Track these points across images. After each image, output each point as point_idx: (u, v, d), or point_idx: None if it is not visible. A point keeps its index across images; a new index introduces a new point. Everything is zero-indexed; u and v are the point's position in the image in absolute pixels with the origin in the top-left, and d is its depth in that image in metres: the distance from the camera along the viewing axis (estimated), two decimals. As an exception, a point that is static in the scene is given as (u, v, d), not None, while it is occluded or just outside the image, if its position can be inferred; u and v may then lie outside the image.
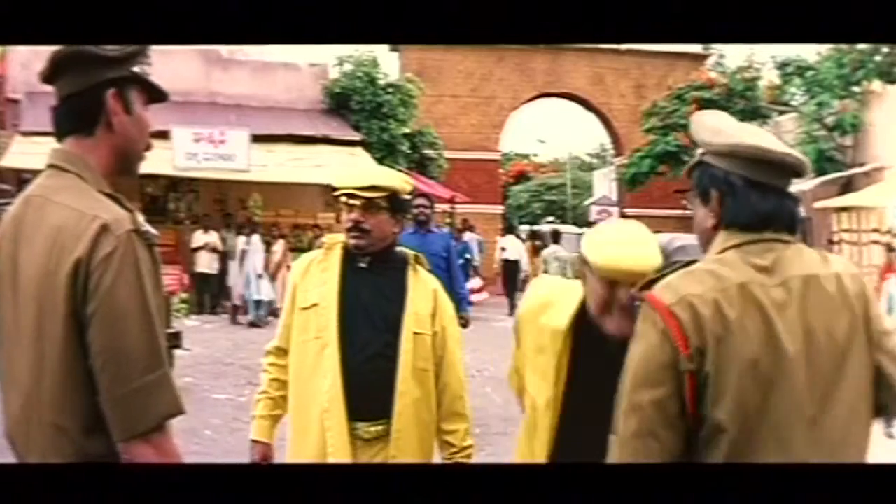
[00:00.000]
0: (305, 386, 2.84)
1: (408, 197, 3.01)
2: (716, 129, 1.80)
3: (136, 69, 1.84)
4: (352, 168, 3.06)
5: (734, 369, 1.63)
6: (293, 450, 2.87)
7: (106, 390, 1.64)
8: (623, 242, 2.27)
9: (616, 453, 1.68)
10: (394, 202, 2.90)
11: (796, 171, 1.76)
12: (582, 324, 2.34)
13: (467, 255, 15.68)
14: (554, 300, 2.44)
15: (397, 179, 2.95)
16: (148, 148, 1.91)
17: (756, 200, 1.73)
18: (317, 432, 2.78)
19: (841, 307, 1.71)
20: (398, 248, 2.99)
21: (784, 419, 1.64)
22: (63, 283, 1.65)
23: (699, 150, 1.84)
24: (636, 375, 1.69)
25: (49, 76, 1.81)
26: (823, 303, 1.70)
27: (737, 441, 1.62)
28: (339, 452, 2.74)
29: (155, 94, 1.91)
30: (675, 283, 1.72)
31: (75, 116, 1.81)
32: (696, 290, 1.67)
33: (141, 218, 1.76)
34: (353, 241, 2.88)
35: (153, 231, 1.76)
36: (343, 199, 2.88)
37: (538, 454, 2.40)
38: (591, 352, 2.32)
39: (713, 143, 1.78)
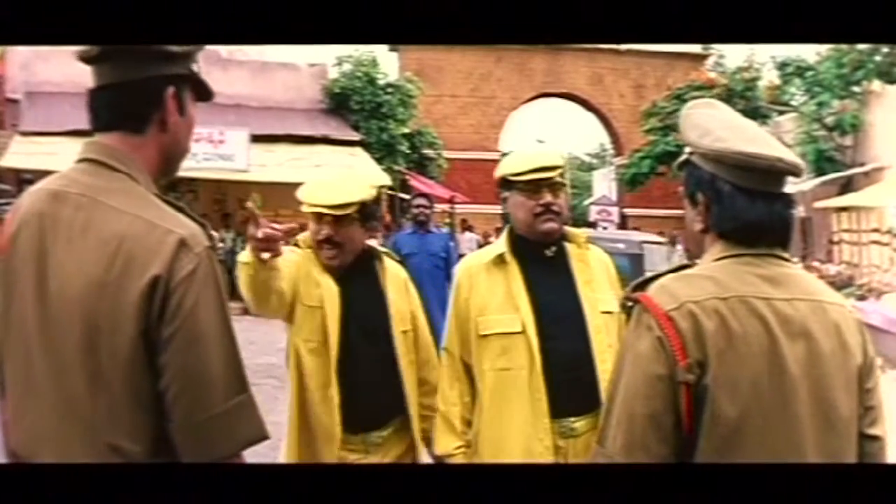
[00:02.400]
0: (309, 393, 2.82)
1: (374, 206, 3.00)
2: (704, 128, 1.68)
3: (193, 67, 1.73)
4: (318, 183, 2.98)
5: (733, 386, 1.52)
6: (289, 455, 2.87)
7: (183, 417, 1.52)
8: (525, 151, 2.85)
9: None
10: (364, 212, 2.89)
11: (787, 174, 1.64)
12: (516, 247, 2.76)
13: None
14: (483, 253, 2.87)
15: (365, 190, 2.92)
16: (189, 149, 1.78)
17: (743, 208, 1.62)
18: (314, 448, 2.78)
19: (845, 345, 1.61)
20: (366, 248, 2.98)
21: (781, 446, 1.54)
22: (134, 302, 1.50)
23: (687, 148, 1.74)
24: (628, 385, 1.57)
25: (92, 57, 1.63)
26: (828, 333, 1.59)
27: (723, 460, 1.52)
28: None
29: (203, 94, 1.78)
30: (671, 287, 1.60)
31: (124, 109, 1.64)
32: (696, 296, 1.55)
33: (212, 230, 1.64)
34: (326, 257, 2.87)
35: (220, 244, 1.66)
36: (312, 212, 2.87)
37: (534, 387, 2.60)
38: (535, 265, 2.73)
39: (700, 145, 1.67)
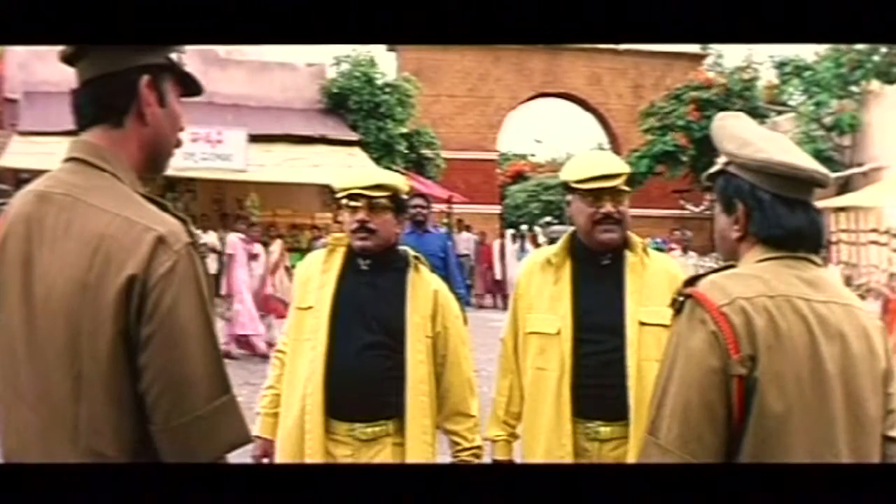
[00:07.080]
0: (293, 388, 2.83)
1: (407, 197, 3.02)
2: (742, 140, 1.75)
3: (172, 56, 1.68)
4: (353, 169, 3.02)
5: (780, 381, 1.57)
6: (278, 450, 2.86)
7: (164, 419, 1.49)
8: (588, 155, 2.95)
9: (657, 458, 1.62)
10: (396, 202, 2.89)
11: (820, 185, 1.73)
12: (573, 250, 2.77)
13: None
14: (543, 251, 2.92)
15: (399, 179, 2.96)
16: (178, 145, 1.75)
17: (784, 216, 1.70)
18: (296, 436, 2.76)
19: (872, 348, 1.68)
20: (400, 248, 2.97)
21: (818, 442, 1.59)
22: (112, 301, 1.47)
23: (722, 159, 1.80)
24: (683, 377, 1.62)
25: (71, 56, 1.63)
26: (859, 336, 1.66)
27: (767, 454, 1.57)
28: (315, 455, 2.72)
29: (190, 87, 1.74)
30: (722, 284, 1.67)
31: (102, 103, 1.63)
32: (746, 293, 1.62)
33: (194, 227, 1.61)
34: (359, 243, 2.84)
35: (203, 241, 1.62)
36: (346, 201, 2.85)
37: (562, 392, 2.64)
38: (587, 270, 2.73)
39: (739, 155, 1.73)
